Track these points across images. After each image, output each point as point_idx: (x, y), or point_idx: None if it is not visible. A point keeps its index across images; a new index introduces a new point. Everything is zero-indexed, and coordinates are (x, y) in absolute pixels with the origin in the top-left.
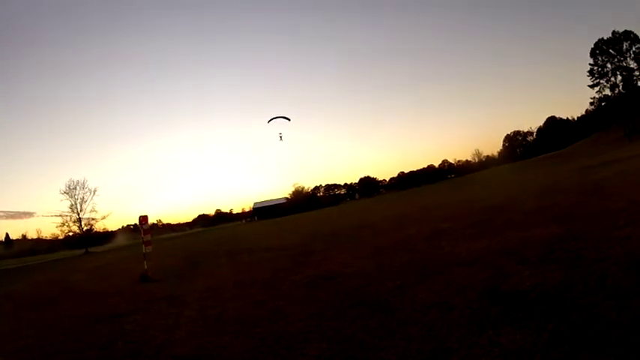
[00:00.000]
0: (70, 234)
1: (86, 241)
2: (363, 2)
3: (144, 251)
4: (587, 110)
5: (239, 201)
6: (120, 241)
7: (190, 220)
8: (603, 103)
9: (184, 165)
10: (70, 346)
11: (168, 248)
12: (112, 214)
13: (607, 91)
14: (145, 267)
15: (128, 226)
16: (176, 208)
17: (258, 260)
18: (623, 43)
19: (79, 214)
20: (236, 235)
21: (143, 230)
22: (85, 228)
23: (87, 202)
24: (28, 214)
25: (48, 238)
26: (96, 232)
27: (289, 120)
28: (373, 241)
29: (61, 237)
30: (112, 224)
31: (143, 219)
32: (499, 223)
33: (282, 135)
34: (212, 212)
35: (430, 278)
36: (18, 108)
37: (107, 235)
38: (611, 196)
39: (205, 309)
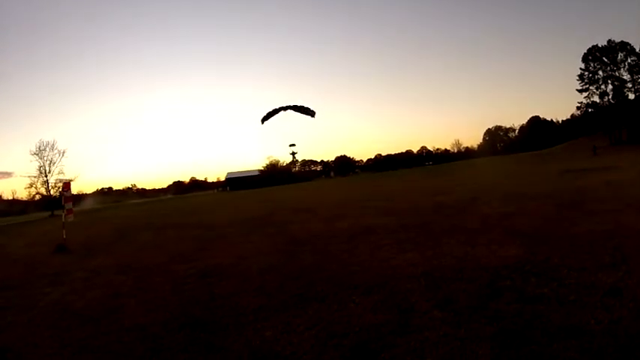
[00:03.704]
0: (38, 197)
1: (53, 203)
2: None
3: (63, 220)
4: (572, 115)
5: (216, 170)
6: (87, 204)
7: (165, 186)
8: (590, 110)
9: (164, 130)
10: None
11: (114, 216)
12: (81, 177)
13: (596, 98)
14: (64, 237)
15: (102, 189)
16: (153, 173)
17: (176, 238)
18: (618, 53)
19: (46, 176)
20: (193, 206)
21: (65, 198)
22: (53, 190)
23: (55, 164)
24: (6, 174)
25: (23, 199)
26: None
27: (313, 114)
28: (295, 231)
29: (28, 199)
30: (87, 187)
31: (66, 185)
32: (445, 229)
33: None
34: (187, 180)
35: (298, 308)
36: None
37: (75, 198)
38: (594, 214)
39: (69, 294)
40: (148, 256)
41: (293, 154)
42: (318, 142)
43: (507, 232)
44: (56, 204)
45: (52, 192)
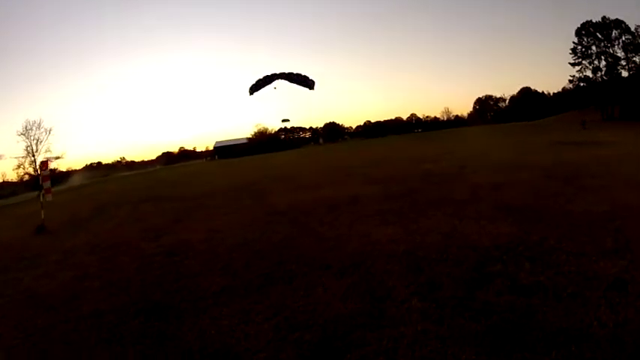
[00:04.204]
0: (27, 177)
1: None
2: None
3: (41, 200)
4: (564, 88)
5: (205, 140)
6: (75, 181)
7: (154, 157)
8: (582, 84)
9: (152, 101)
10: None
11: (99, 191)
12: (69, 154)
13: (588, 73)
14: (42, 217)
15: (91, 164)
16: (143, 145)
17: (153, 212)
18: (612, 31)
19: (33, 155)
20: (178, 177)
21: (43, 177)
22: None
23: (42, 143)
24: None
25: (14, 180)
26: (51, 172)
27: (312, 85)
28: (275, 201)
29: (16, 180)
30: (76, 163)
31: (43, 164)
32: (432, 199)
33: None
34: (176, 150)
35: (261, 292)
36: None
37: (64, 175)
38: (589, 190)
39: (41, 278)
40: (121, 232)
41: (286, 126)
42: (306, 109)
43: (498, 206)
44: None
45: (39, 171)
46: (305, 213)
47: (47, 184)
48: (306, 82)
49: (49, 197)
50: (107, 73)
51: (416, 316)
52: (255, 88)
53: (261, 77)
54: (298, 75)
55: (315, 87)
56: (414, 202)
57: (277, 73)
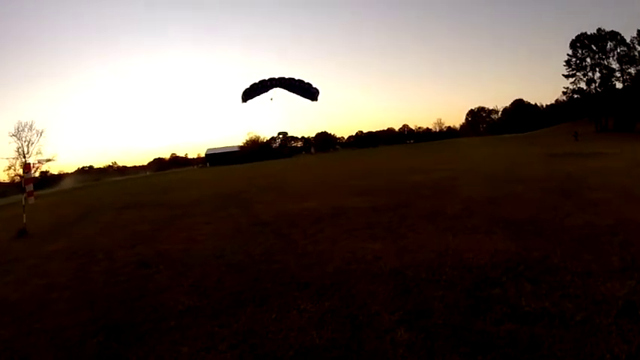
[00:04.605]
0: (17, 178)
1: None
2: None
3: (24, 203)
4: (557, 100)
5: (197, 146)
6: (66, 184)
7: (146, 163)
8: (576, 96)
9: (145, 107)
10: None
11: (87, 195)
12: (61, 156)
13: (582, 84)
14: (24, 221)
15: (83, 168)
16: (135, 151)
17: (136, 219)
18: (607, 42)
19: (24, 157)
20: (167, 184)
21: (25, 180)
22: (32, 171)
23: (34, 145)
24: None
25: (5, 181)
26: (42, 175)
27: (314, 96)
28: (261, 210)
29: (8, 181)
30: (68, 167)
31: (26, 167)
32: (423, 213)
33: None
34: (168, 156)
35: (229, 313)
36: None
37: (55, 178)
38: (589, 203)
39: (12, 285)
40: (100, 239)
41: (282, 134)
42: (299, 118)
43: (494, 220)
44: (36, 185)
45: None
46: (288, 225)
47: (30, 186)
48: (308, 92)
49: (31, 200)
50: (100, 76)
51: (402, 351)
52: (248, 94)
53: (256, 82)
54: (300, 82)
55: (319, 97)
56: (403, 216)
57: (275, 78)
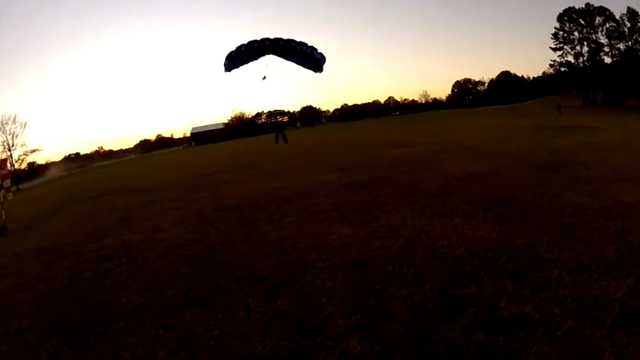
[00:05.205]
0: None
1: (18, 178)
2: None
3: (1, 200)
4: (544, 73)
5: (184, 125)
6: (52, 173)
7: (132, 145)
8: (563, 69)
9: (131, 88)
10: None
11: (70, 185)
12: (47, 146)
13: (570, 58)
14: (4, 217)
15: (70, 156)
16: (122, 134)
17: (107, 208)
18: (596, 17)
19: (10, 150)
20: (146, 167)
21: (2, 176)
22: (17, 164)
23: (18, 137)
24: None
25: None
26: (27, 167)
27: (319, 65)
28: (228, 193)
29: None
30: (54, 155)
31: (2, 163)
32: (399, 190)
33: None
34: (154, 138)
35: (176, 313)
36: None
37: (43, 168)
38: (580, 181)
39: None
40: (71, 233)
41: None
42: (283, 92)
43: (474, 200)
44: (20, 178)
45: (16, 166)
46: (256, 208)
47: (7, 182)
48: (311, 60)
49: (9, 196)
50: (82, 60)
51: None
52: (234, 61)
53: (244, 43)
54: (302, 46)
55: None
56: (377, 194)
57: (270, 39)
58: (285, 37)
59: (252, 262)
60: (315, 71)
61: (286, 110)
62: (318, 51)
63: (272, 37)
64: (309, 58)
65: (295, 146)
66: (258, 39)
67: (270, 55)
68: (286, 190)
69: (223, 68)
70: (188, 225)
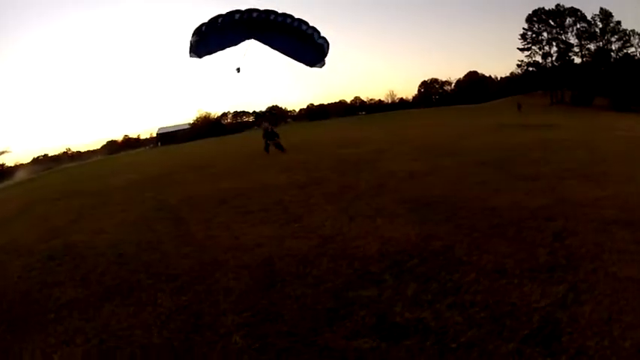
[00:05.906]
0: None
1: None
2: None
3: None
4: (512, 73)
5: (150, 126)
6: (20, 176)
7: (99, 146)
8: (531, 69)
9: (98, 88)
10: None
11: (38, 187)
12: (15, 148)
13: (538, 58)
14: None
15: (37, 157)
16: (89, 134)
17: (64, 210)
18: (567, 18)
19: None
20: (109, 168)
21: None
22: None
23: None
24: None
25: None
26: None
27: (320, 57)
28: (175, 193)
29: None
30: (23, 158)
31: None
32: (332, 190)
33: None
34: (121, 138)
35: (96, 306)
36: None
37: (12, 171)
38: (524, 179)
39: None
40: (28, 234)
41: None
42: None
43: (405, 199)
44: None
45: None
46: (193, 208)
47: None
48: (309, 47)
49: None
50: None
51: None
52: (206, 42)
53: (222, 14)
54: (300, 24)
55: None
56: (310, 195)
57: (258, 10)
58: (278, 11)
59: (172, 260)
60: (314, 64)
61: (252, 111)
62: (321, 34)
63: (261, 9)
64: (308, 42)
65: (251, 148)
66: (242, 9)
67: (252, 40)
68: (229, 191)
69: (188, 49)
70: (129, 226)
